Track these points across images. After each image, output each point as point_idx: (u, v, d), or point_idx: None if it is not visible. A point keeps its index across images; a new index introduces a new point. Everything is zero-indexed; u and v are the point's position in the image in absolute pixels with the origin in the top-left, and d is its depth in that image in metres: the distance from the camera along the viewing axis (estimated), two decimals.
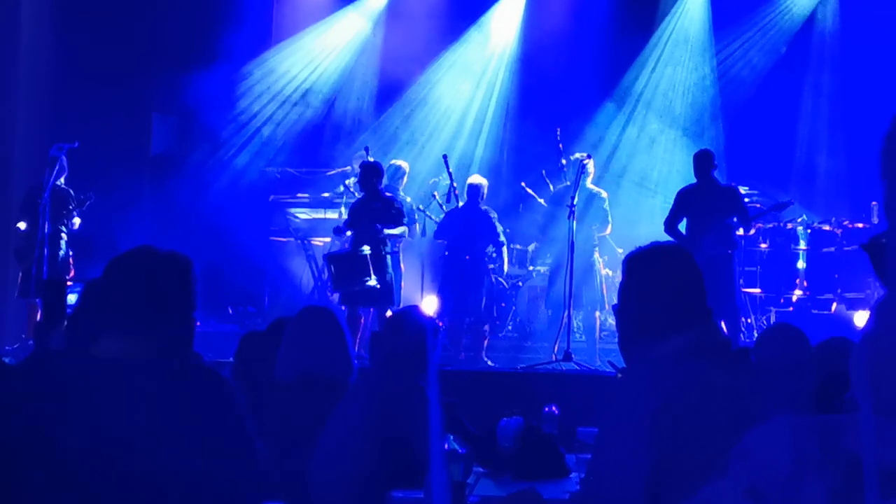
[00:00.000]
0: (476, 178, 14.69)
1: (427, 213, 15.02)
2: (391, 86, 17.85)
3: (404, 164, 14.68)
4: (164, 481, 3.70)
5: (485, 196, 14.42)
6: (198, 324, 4.02)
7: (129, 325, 3.84)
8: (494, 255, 14.48)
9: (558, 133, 14.78)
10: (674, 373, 3.82)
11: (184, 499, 3.73)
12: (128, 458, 3.68)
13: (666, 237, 12.51)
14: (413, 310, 6.54)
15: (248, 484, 3.88)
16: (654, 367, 3.88)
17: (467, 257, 14.23)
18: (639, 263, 4.13)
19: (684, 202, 13.09)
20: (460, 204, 14.52)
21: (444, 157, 15.27)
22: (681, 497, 3.40)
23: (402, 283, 13.74)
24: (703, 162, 13.13)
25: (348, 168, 15.96)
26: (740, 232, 13.22)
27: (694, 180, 13.19)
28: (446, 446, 5.07)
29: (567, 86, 17.36)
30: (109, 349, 3.85)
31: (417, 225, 14.05)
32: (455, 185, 14.81)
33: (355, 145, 16.63)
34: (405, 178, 14.57)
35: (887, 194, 1.62)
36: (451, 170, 14.94)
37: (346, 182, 15.66)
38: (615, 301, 4.20)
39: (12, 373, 4.73)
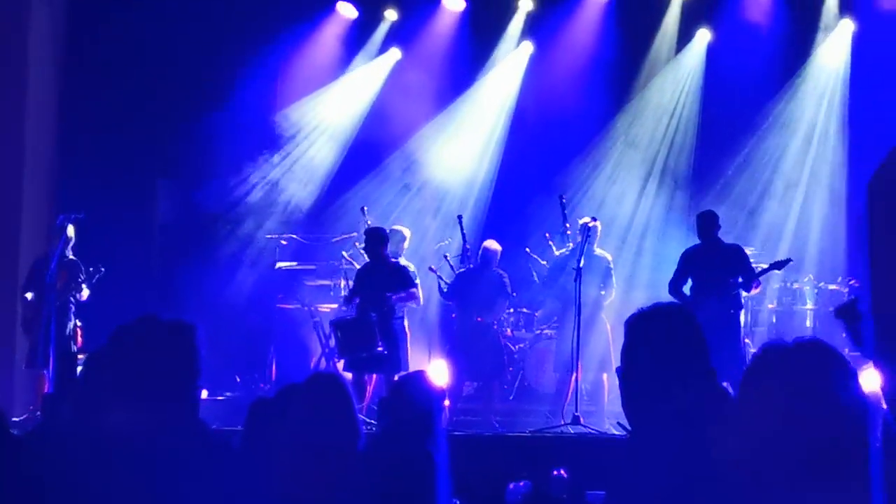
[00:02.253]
0: (492, 244, 14.70)
1: (438, 273, 14.99)
2: (390, 144, 17.83)
3: (405, 230, 14.70)
4: None
5: (497, 262, 14.47)
6: (204, 392, 4.03)
7: (134, 394, 3.85)
8: (511, 318, 14.56)
9: (563, 199, 14.77)
10: (679, 433, 3.82)
11: None
12: None
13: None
14: (420, 375, 6.54)
15: None
16: (660, 428, 3.87)
17: (479, 319, 14.24)
18: (641, 325, 4.12)
19: (689, 263, 13.11)
20: (471, 265, 14.60)
21: (459, 217, 15.32)
22: None
23: (409, 346, 13.72)
24: (707, 222, 13.15)
25: (354, 234, 16.00)
26: (745, 294, 13.19)
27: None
28: None
29: (569, 148, 17.39)
30: (115, 419, 3.86)
31: (421, 290, 14.02)
32: (468, 246, 14.86)
33: (357, 209, 16.64)
34: (406, 243, 14.56)
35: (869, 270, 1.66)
36: (464, 231, 15.00)
37: (343, 253, 15.74)
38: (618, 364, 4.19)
39: (19, 445, 4.74)
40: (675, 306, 4.26)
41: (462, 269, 14.91)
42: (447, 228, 16.58)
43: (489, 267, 14.45)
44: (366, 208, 15.80)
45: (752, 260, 13.54)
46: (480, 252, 14.68)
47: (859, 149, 16.46)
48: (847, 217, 16.70)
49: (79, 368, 6.63)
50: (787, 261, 13.47)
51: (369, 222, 15.22)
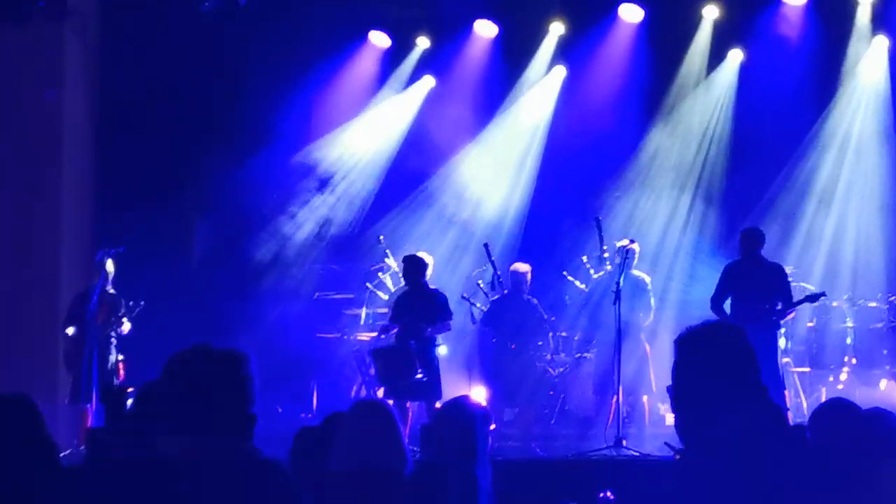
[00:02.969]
0: (520, 266, 14.74)
1: (472, 301, 15.01)
2: (424, 172, 17.86)
3: (428, 257, 14.72)
4: None
5: (528, 283, 14.50)
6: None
7: (189, 421, 3.88)
8: (542, 343, 14.56)
9: (599, 221, 14.76)
10: (738, 449, 3.81)
11: None
12: None
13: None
14: (464, 399, 6.56)
15: None
16: (716, 447, 3.86)
17: (513, 346, 14.26)
18: (693, 343, 4.10)
19: (731, 278, 13.10)
20: (504, 292, 14.63)
21: (486, 245, 15.35)
22: None
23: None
24: (751, 238, 13.14)
25: (386, 263, 16.05)
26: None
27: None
28: None
29: (603, 170, 17.39)
30: (169, 447, 3.89)
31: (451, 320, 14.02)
32: (499, 273, 14.88)
33: (392, 237, 16.69)
34: (429, 270, 14.55)
35: None
36: (493, 258, 15.02)
37: (368, 285, 15.85)
38: (669, 383, 4.18)
39: (69, 477, 4.77)
40: (725, 324, 4.25)
41: (495, 297, 14.93)
42: (481, 256, 16.62)
43: (520, 290, 14.50)
44: (382, 237, 15.91)
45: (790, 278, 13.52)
46: (510, 276, 14.71)
47: None
48: (889, 230, 16.62)
49: (128, 402, 6.65)
50: (821, 294, 13.43)
51: (388, 252, 15.34)
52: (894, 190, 16.69)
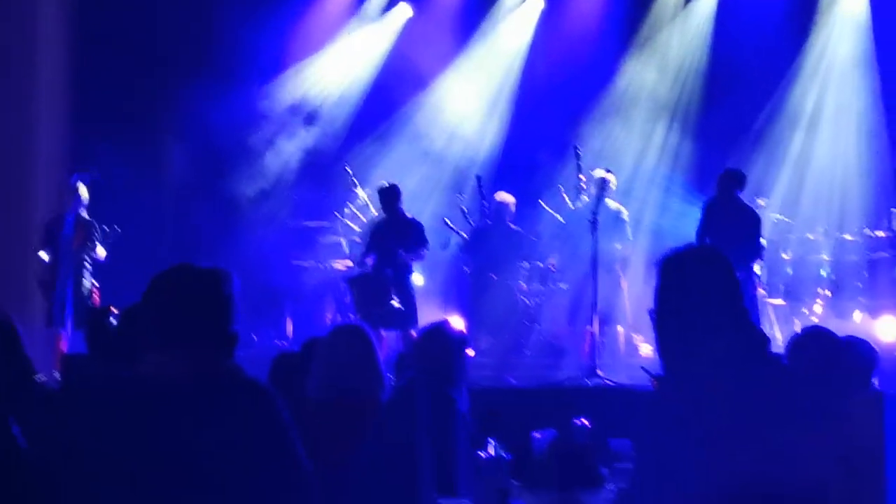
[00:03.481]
0: (503, 196, 14.73)
1: (452, 226, 14.95)
2: (399, 100, 17.79)
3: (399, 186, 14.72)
4: (211, 497, 3.72)
5: (513, 212, 14.51)
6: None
7: (171, 338, 3.87)
8: (526, 272, 14.61)
9: (577, 150, 14.66)
10: (716, 373, 3.81)
11: None
12: (174, 472, 3.70)
13: None
14: (442, 323, 6.55)
15: (296, 497, 3.89)
16: (701, 370, 3.86)
17: (493, 276, 14.27)
18: (677, 265, 4.08)
19: (710, 216, 13.15)
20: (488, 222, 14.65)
21: (478, 177, 15.34)
22: (732, 495, 3.41)
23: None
24: (729, 180, 13.18)
25: (355, 192, 16.01)
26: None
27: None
28: (492, 452, 5.08)
29: (580, 101, 17.35)
30: (152, 365, 3.88)
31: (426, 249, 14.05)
32: (487, 205, 14.87)
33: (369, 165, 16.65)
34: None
35: None
36: (482, 191, 15.01)
37: (336, 214, 15.85)
38: (644, 311, 4.18)
39: (53, 397, 4.76)
40: (708, 247, 4.24)
41: (476, 226, 14.92)
42: (459, 182, 16.56)
43: (503, 220, 14.48)
44: (349, 168, 15.90)
45: (765, 210, 13.56)
46: (493, 206, 14.69)
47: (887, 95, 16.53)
48: (869, 161, 16.68)
49: (111, 323, 6.62)
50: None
51: (355, 181, 15.33)
52: (872, 121, 16.71)
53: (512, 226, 14.58)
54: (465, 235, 14.84)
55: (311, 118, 17.67)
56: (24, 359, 5.17)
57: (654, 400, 4.11)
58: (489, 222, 14.74)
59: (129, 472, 3.70)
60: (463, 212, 15.35)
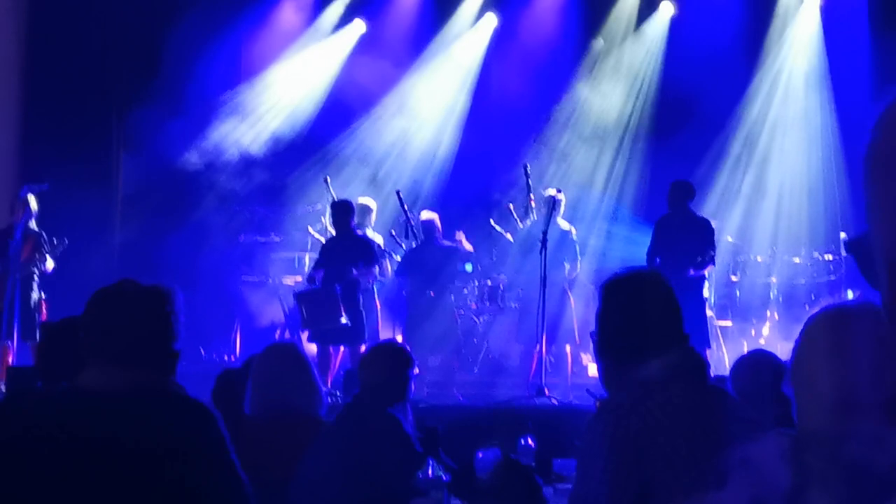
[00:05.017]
0: (427, 214, 14.78)
1: (387, 251, 14.95)
2: (352, 116, 17.79)
3: (371, 202, 14.73)
4: None
5: (440, 229, 14.53)
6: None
7: (111, 355, 3.86)
8: (476, 290, 14.66)
9: (527, 169, 14.70)
10: (654, 397, 3.85)
11: None
12: (108, 488, 3.70)
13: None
14: (387, 342, 6.58)
15: None
16: (635, 392, 3.90)
17: (431, 294, 14.29)
18: (615, 289, 4.15)
19: (661, 232, 13.19)
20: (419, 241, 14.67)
21: (398, 192, 15.34)
22: None
23: (379, 319, 13.82)
24: (678, 192, 13.22)
25: (319, 206, 16.02)
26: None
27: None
28: (430, 473, 5.09)
29: (533, 119, 17.41)
30: (91, 381, 3.87)
31: (388, 263, 14.13)
32: (412, 221, 14.87)
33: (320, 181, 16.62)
34: (373, 216, 14.60)
35: (868, 201, 1.67)
36: (405, 206, 14.98)
37: (309, 228, 15.82)
38: (592, 328, 4.22)
39: None
40: (649, 271, 4.31)
41: (407, 246, 14.94)
42: (408, 199, 16.62)
43: (432, 238, 14.51)
44: (328, 179, 15.84)
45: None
46: (420, 225, 14.72)
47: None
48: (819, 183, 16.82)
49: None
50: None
51: (334, 194, 15.25)
52: (825, 142, 16.84)
53: (445, 242, 14.62)
54: (397, 258, 14.84)
55: (250, 125, 17.63)
56: None
57: (593, 419, 4.14)
58: (418, 243, 14.75)
59: (61, 486, 3.69)
60: (392, 234, 15.35)
